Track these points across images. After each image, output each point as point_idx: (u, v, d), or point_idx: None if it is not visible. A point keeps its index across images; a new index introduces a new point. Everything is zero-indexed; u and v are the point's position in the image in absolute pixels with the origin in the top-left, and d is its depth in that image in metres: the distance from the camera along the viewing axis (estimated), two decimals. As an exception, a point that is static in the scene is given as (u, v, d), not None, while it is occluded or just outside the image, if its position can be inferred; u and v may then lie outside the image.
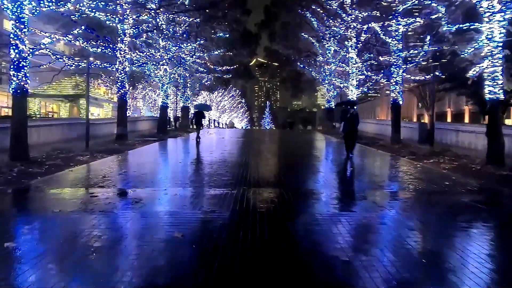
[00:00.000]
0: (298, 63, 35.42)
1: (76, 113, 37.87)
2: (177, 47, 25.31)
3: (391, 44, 19.09)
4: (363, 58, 24.38)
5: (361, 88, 27.33)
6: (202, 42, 29.28)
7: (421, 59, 18.26)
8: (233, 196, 7.26)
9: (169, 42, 24.75)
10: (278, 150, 19.59)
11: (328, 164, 13.36)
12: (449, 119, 44.38)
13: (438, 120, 36.53)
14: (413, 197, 7.77)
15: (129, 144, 18.28)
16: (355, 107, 14.96)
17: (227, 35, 31.28)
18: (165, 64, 25.23)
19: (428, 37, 17.15)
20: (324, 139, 26.20)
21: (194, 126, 23.98)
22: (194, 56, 28.77)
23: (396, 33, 18.80)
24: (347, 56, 26.75)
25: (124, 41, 19.70)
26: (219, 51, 31.74)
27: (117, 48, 19.65)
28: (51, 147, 14.98)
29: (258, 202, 6.89)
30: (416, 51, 18.99)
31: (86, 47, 18.98)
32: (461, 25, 11.64)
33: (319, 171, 11.42)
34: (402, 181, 9.56)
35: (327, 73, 32.67)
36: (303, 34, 32.63)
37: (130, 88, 37.69)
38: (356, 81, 26.38)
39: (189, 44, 27.23)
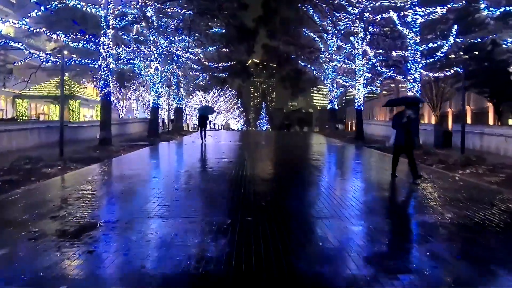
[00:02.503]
0: (299, 61, 33.29)
1: (66, 115, 36.15)
2: (167, 41, 23.06)
3: (408, 36, 16.96)
4: (373, 52, 22.17)
5: (369, 87, 25.14)
6: (196, 37, 27.11)
7: (445, 52, 15.96)
8: (234, 237, 5.09)
9: (159, 36, 22.54)
10: (283, 159, 17.29)
11: (354, 182, 11.12)
12: (450, 120, 42.65)
13: (440, 122, 34.76)
14: (489, 238, 5.24)
15: (112, 151, 16.12)
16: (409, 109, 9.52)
17: (223, 30, 29.16)
18: (155, 60, 23.02)
19: (455, 27, 14.97)
20: (328, 143, 24.12)
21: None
22: (188, 53, 26.60)
23: (414, 24, 16.68)
24: (353, 52, 24.62)
25: (107, 34, 17.51)
26: (214, 47, 29.60)
27: (100, 42, 17.52)
28: (19, 155, 12.78)
29: (274, 251, 4.68)
30: (435, 44, 16.87)
31: (66, 41, 16.95)
32: (508, 8, 9.48)
33: (344, 191, 9.24)
34: (450, 204, 7.02)
35: (330, 71, 30.57)
36: (304, 29, 30.58)
37: (122, 88, 35.51)
38: (364, 79, 24.19)
39: (181, 38, 25.05)
